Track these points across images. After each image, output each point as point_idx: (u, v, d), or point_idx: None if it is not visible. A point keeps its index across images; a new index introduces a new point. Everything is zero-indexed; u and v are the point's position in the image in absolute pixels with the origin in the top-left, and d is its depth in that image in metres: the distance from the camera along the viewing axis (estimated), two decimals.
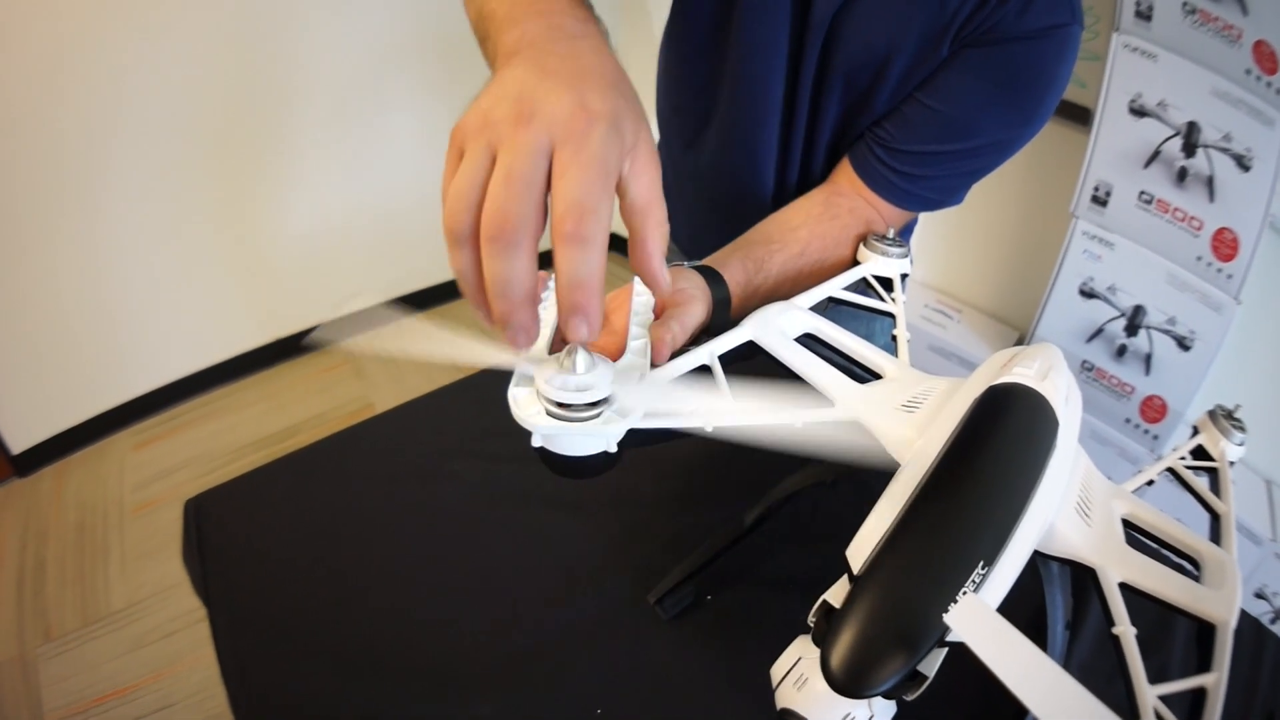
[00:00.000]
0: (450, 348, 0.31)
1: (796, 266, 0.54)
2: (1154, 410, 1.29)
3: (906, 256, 0.54)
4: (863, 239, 0.56)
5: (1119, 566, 0.32)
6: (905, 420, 0.36)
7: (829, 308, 0.49)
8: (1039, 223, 1.44)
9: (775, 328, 0.43)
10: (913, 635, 0.26)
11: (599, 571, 0.54)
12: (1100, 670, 0.45)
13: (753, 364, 0.42)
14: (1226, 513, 0.39)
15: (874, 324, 0.54)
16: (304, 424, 1.77)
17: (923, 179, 0.57)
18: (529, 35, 0.35)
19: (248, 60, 1.60)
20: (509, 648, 0.50)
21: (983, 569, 0.27)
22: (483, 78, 0.40)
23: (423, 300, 2.11)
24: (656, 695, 0.47)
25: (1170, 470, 0.43)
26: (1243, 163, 1.07)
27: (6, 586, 1.41)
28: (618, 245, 0.29)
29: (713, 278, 0.48)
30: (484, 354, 0.31)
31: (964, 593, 0.26)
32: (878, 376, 0.42)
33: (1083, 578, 0.33)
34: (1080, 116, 1.27)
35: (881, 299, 0.51)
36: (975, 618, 0.24)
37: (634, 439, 0.33)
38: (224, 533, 0.58)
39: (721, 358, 0.41)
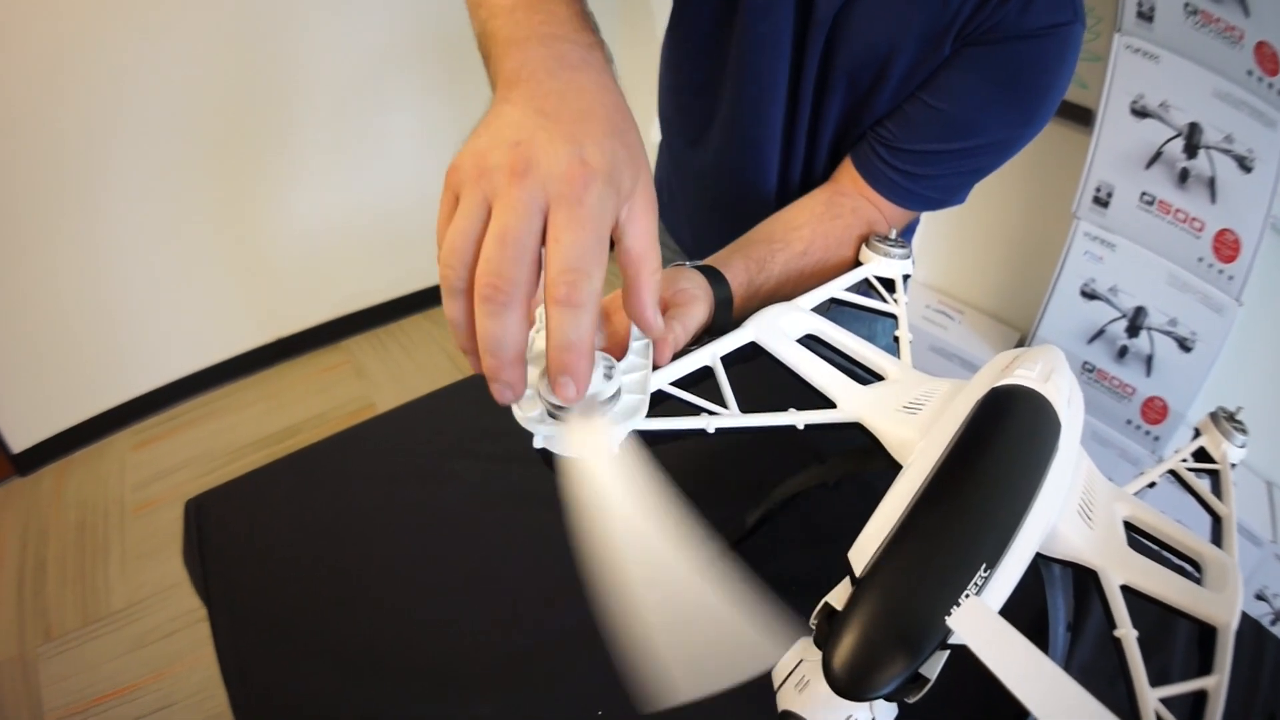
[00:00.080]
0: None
1: (799, 266, 0.54)
2: (1155, 411, 1.29)
3: (908, 257, 0.54)
4: (865, 239, 0.56)
5: (1121, 569, 0.32)
6: (907, 422, 0.36)
7: (831, 308, 0.49)
8: (1040, 224, 1.44)
9: (777, 329, 0.43)
10: (915, 638, 0.26)
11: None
12: (1102, 672, 0.45)
13: (755, 365, 0.42)
14: (1228, 515, 0.39)
15: (876, 325, 0.54)
16: (305, 424, 1.77)
17: (925, 178, 0.57)
18: (530, 64, 0.34)
19: (248, 60, 1.60)
20: (510, 648, 0.50)
21: (985, 571, 0.27)
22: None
23: (423, 300, 2.11)
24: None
25: (1172, 472, 0.43)
26: (1244, 164, 1.07)
27: (7, 586, 1.41)
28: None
29: (715, 277, 0.48)
30: None
31: (966, 595, 0.26)
32: (880, 378, 0.42)
33: (1084, 580, 0.33)
34: (1082, 117, 1.27)
35: (883, 300, 0.51)
36: (978, 620, 0.24)
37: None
38: (225, 532, 0.58)
39: (724, 359, 0.41)
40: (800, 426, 0.37)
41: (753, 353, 0.43)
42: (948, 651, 0.26)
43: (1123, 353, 1.30)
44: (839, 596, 0.28)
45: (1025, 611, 0.30)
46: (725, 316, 0.48)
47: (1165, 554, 0.36)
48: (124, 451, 1.70)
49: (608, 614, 0.25)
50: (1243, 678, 0.51)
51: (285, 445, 1.71)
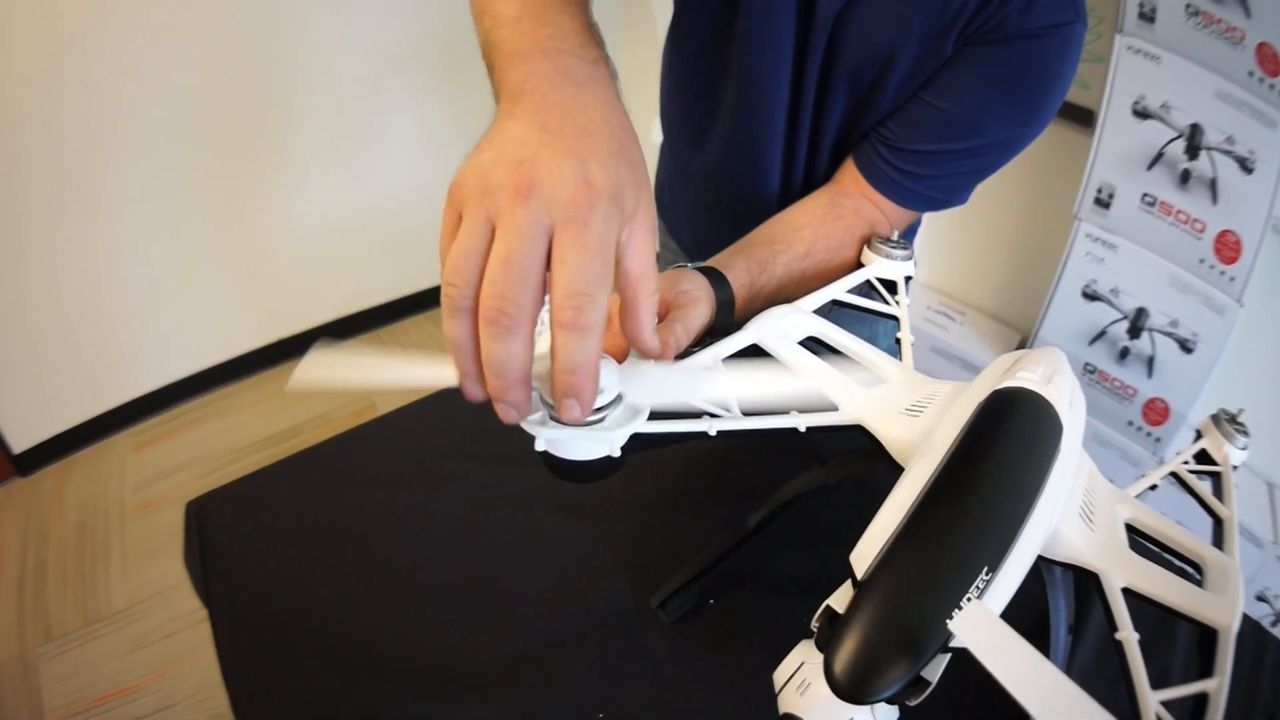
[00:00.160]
0: (386, 371, 0.31)
1: (800, 267, 0.54)
2: (1156, 413, 1.29)
3: (910, 259, 0.54)
4: (867, 240, 0.56)
5: (1122, 571, 0.32)
6: (909, 424, 0.36)
7: (833, 310, 0.49)
8: (1042, 225, 1.44)
9: (779, 331, 0.43)
10: (916, 641, 0.26)
11: (601, 574, 0.54)
12: (1103, 674, 0.45)
13: None
14: (1229, 517, 0.39)
15: (878, 326, 0.54)
16: (306, 425, 1.77)
17: (927, 178, 0.57)
18: (534, 78, 0.34)
19: (248, 60, 1.59)
20: (510, 650, 0.50)
21: (987, 575, 0.27)
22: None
23: (423, 301, 2.11)
24: (658, 699, 0.47)
25: (1173, 474, 0.43)
26: (1245, 165, 1.07)
27: (7, 586, 1.41)
28: None
29: (717, 279, 0.48)
30: (424, 373, 0.30)
31: (968, 598, 0.26)
32: (881, 380, 0.42)
33: (1086, 582, 0.33)
34: (1083, 118, 1.27)
35: (885, 301, 0.51)
36: (979, 624, 0.24)
37: (637, 443, 0.33)
38: (225, 533, 0.58)
39: (725, 361, 0.41)
40: (802, 429, 0.37)
41: (754, 354, 0.43)
42: (949, 655, 0.26)
43: (1124, 354, 1.30)
44: (840, 599, 0.28)
45: (1026, 613, 0.30)
46: (727, 318, 0.48)
47: (1166, 556, 0.36)
48: (125, 452, 1.70)
49: None
50: (1243, 679, 0.51)
51: (286, 446, 1.71)
